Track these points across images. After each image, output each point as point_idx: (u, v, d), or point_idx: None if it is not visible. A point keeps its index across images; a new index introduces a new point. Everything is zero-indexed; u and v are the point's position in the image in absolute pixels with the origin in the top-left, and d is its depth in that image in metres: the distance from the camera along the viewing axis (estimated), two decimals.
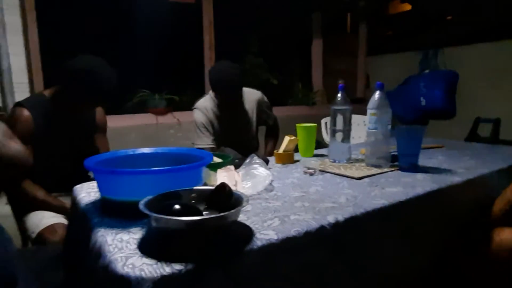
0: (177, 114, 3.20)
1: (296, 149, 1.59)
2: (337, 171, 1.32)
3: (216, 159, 1.21)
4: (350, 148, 1.50)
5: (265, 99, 2.24)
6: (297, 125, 1.65)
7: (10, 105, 2.37)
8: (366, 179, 1.23)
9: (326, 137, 3.16)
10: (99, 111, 1.74)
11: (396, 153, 1.38)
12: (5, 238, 0.79)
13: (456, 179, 1.21)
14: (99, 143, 1.74)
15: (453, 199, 1.20)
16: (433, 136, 2.13)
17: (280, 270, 0.76)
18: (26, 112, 1.44)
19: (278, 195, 1.06)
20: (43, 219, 1.42)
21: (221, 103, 2.03)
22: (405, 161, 1.35)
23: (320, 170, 1.35)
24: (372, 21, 4.45)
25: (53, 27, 2.77)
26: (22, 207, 1.51)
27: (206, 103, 2.06)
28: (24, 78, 2.55)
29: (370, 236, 0.94)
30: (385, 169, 1.34)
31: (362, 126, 3.03)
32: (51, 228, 1.38)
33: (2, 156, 0.66)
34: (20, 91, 2.49)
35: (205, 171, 0.99)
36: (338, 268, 0.86)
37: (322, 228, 0.82)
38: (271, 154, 2.16)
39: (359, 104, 2.88)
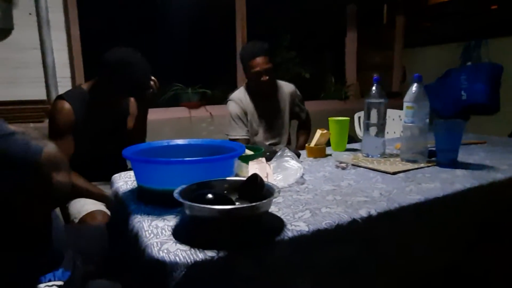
0: (210, 108, 3.25)
1: (328, 143, 1.58)
2: (370, 166, 1.29)
3: (248, 151, 1.22)
4: (384, 142, 1.46)
5: (298, 92, 2.24)
6: (330, 118, 1.63)
7: (53, 97, 2.51)
8: (401, 174, 1.19)
9: (359, 131, 3.09)
10: (131, 100, 1.79)
11: (434, 148, 1.33)
12: (56, 218, 0.85)
13: (498, 176, 1.15)
14: (129, 124, 1.78)
15: (494, 197, 1.14)
16: (475, 132, 2.03)
17: (310, 262, 0.76)
18: (67, 105, 1.52)
19: (309, 188, 1.05)
20: (84, 206, 1.50)
21: (256, 86, 2.03)
22: (443, 156, 1.30)
23: (353, 165, 1.33)
24: (410, 12, 4.28)
25: (93, 23, 2.88)
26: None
27: (240, 94, 2.09)
28: (67, 73, 2.68)
29: (403, 232, 0.92)
30: (422, 165, 1.29)
31: (398, 121, 2.94)
32: (92, 214, 1.45)
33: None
34: (63, 85, 2.62)
35: (237, 162, 1.00)
36: (368, 263, 0.85)
37: (354, 221, 0.81)
38: (302, 148, 2.16)
39: (394, 98, 2.79)
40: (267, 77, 1.97)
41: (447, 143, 1.30)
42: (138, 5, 3.19)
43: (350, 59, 4.28)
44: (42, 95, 2.56)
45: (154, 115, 2.95)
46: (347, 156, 1.46)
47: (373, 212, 0.85)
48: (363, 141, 1.50)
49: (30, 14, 2.48)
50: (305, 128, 2.33)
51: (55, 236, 0.82)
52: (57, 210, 1.60)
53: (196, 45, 3.63)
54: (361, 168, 1.29)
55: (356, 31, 4.20)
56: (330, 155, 1.52)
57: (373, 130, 1.44)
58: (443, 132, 1.30)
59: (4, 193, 0.64)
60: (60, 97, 1.56)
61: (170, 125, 3.04)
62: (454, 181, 1.10)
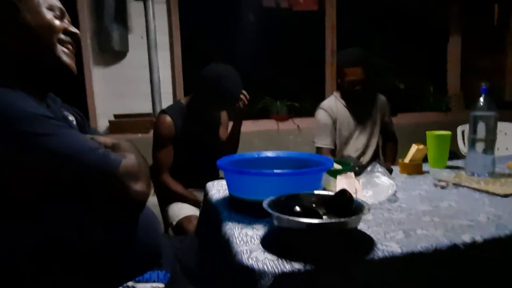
0: (297, 120, 3.27)
1: (424, 159, 1.46)
2: (476, 186, 1.16)
3: (337, 166, 1.20)
4: (494, 160, 1.30)
5: (388, 104, 2.15)
6: (428, 132, 1.51)
7: (157, 110, 2.80)
8: None
9: (462, 147, 2.79)
10: (223, 112, 1.92)
11: None
12: (155, 219, 0.95)
13: None
14: (221, 133, 1.92)
15: None
16: None
17: (401, 285, 0.71)
18: (168, 118, 1.69)
19: (402, 207, 0.99)
20: (182, 210, 1.64)
21: (347, 94, 2.02)
22: None
23: (454, 184, 1.21)
24: None
25: (193, 42, 3.15)
26: (165, 197, 1.77)
27: (330, 102, 2.08)
28: (169, 88, 2.98)
29: None
30: None
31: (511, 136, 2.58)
32: (188, 218, 1.58)
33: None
34: (166, 99, 2.91)
35: (325, 176, 1.00)
36: None
37: (455, 247, 0.74)
38: (391, 162, 2.04)
39: (507, 110, 2.46)
40: (360, 88, 1.94)
41: None
42: (231, 24, 3.40)
43: (452, 66, 3.89)
44: (149, 109, 2.89)
45: (244, 127, 3.07)
46: (447, 174, 1.33)
47: (479, 238, 0.76)
48: (468, 158, 1.36)
49: (142, 37, 2.83)
50: (394, 142, 2.20)
51: (156, 237, 0.91)
52: (157, 211, 1.78)
53: (286, 57, 3.71)
54: (465, 188, 1.17)
55: (460, 35, 3.81)
56: (428, 172, 1.41)
57: (480, 146, 1.30)
58: None
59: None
60: (163, 112, 1.74)
61: (259, 137, 3.14)
62: None
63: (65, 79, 0.86)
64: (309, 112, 3.40)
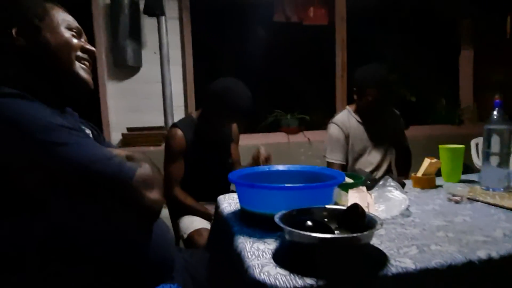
0: (308, 133, 3.27)
1: (437, 173, 1.44)
2: (491, 201, 1.14)
3: (348, 179, 1.19)
4: (509, 174, 1.28)
5: (402, 119, 2.14)
6: (440, 146, 1.49)
7: (169, 124, 2.84)
8: None
9: (477, 160, 2.74)
10: (234, 126, 1.95)
11: None
12: (169, 231, 0.96)
13: None
14: (232, 151, 1.93)
15: None
16: None
17: None
18: (179, 132, 1.71)
19: (416, 222, 0.98)
20: (193, 223, 1.65)
21: (366, 111, 2.00)
22: None
23: (469, 198, 1.19)
24: None
25: (205, 58, 3.21)
26: (176, 210, 1.78)
27: (343, 117, 2.05)
28: (181, 102, 3.03)
29: None
30: None
31: None
32: (199, 231, 1.59)
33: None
34: (178, 113, 2.96)
35: (336, 190, 0.99)
36: None
37: (470, 263, 0.73)
38: (404, 177, 2.02)
39: None
40: (378, 107, 1.94)
41: None
42: (243, 38, 3.44)
43: (465, 78, 3.87)
44: (161, 122, 2.93)
45: (255, 140, 3.12)
46: (461, 189, 1.31)
47: (495, 255, 0.75)
48: (482, 172, 1.34)
49: (155, 53, 2.89)
50: (407, 156, 2.18)
51: (169, 246, 0.92)
52: (169, 224, 1.79)
53: (296, 71, 3.74)
54: (479, 203, 1.15)
55: (472, 48, 3.79)
56: (441, 186, 1.39)
57: (494, 159, 1.28)
58: None
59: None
60: (174, 125, 1.77)
61: (270, 149, 3.12)
62: None
63: (83, 93, 0.90)
64: (320, 125, 3.40)
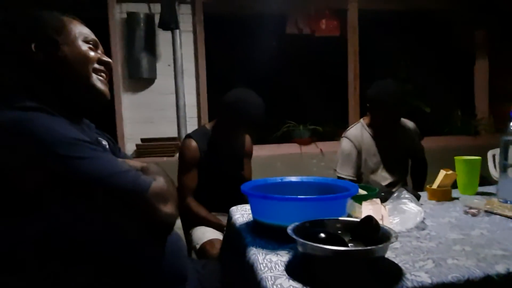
0: (320, 144, 3.26)
1: (453, 185, 1.42)
2: (509, 214, 1.11)
3: (361, 191, 1.18)
4: None
5: (418, 130, 2.10)
6: (456, 158, 1.47)
7: (183, 135, 2.87)
8: None
9: (494, 172, 2.68)
10: (247, 139, 1.95)
11: None
12: (182, 242, 0.96)
13: None
14: (244, 167, 1.94)
15: None
16: None
17: None
18: (193, 143, 1.73)
19: (431, 235, 0.96)
20: (205, 233, 1.65)
21: (381, 126, 1.96)
22: None
23: (486, 211, 1.16)
24: None
25: (218, 70, 3.25)
26: (189, 221, 1.78)
27: (356, 131, 2.01)
28: (194, 113, 3.06)
29: None
30: None
31: None
32: (211, 242, 1.58)
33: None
34: (191, 124, 2.99)
35: (349, 202, 0.99)
36: None
37: (488, 278, 0.71)
38: (420, 189, 1.98)
39: None
40: (394, 124, 1.93)
41: None
42: (255, 50, 3.48)
43: (480, 89, 3.81)
44: (174, 133, 2.96)
45: (267, 150, 3.12)
46: (478, 201, 1.29)
47: None
48: (500, 184, 1.31)
49: (169, 65, 2.94)
50: (423, 168, 2.14)
51: (181, 257, 0.92)
52: (181, 234, 1.80)
53: (308, 82, 3.75)
54: (497, 216, 1.12)
55: (487, 58, 3.75)
56: (457, 198, 1.36)
57: None
58: None
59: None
60: (188, 136, 1.79)
61: (282, 160, 3.15)
62: None
63: (100, 104, 0.92)
64: (332, 136, 3.39)
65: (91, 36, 0.92)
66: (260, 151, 2.73)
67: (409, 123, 2.09)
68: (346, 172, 1.96)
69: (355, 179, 1.96)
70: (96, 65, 0.90)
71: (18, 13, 0.89)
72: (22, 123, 0.71)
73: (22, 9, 0.88)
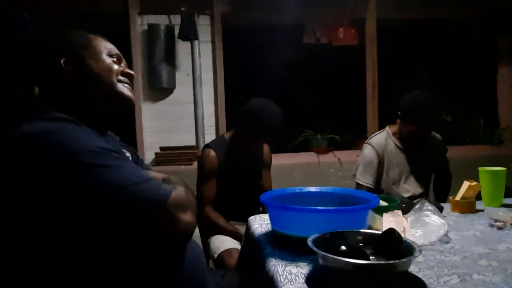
0: (338, 153, 3.23)
1: (477, 197, 1.38)
2: None
3: (382, 203, 1.17)
4: None
5: (445, 144, 2.06)
6: (480, 169, 1.43)
7: (201, 144, 2.90)
8: None
9: None
10: (266, 150, 1.95)
11: None
12: (201, 252, 0.97)
13: None
14: (264, 177, 1.93)
15: None
16: None
17: None
18: (212, 152, 1.75)
19: (455, 249, 0.94)
20: (223, 242, 1.65)
21: (409, 138, 1.91)
22: None
23: None
24: None
25: (236, 79, 3.28)
26: (207, 230, 1.79)
27: (381, 139, 1.96)
28: (212, 122, 3.09)
29: None
30: None
31: None
32: (229, 251, 1.59)
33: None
34: (209, 133, 3.02)
35: (370, 214, 0.97)
36: None
37: None
38: (442, 201, 1.93)
39: None
40: (425, 137, 1.90)
41: None
42: (274, 59, 3.50)
43: (503, 97, 3.71)
44: (192, 142, 3.00)
45: (285, 159, 3.11)
46: (504, 214, 1.24)
47: None
48: None
49: (188, 75, 2.99)
50: (447, 181, 2.09)
51: (201, 268, 0.93)
52: (199, 243, 1.80)
53: (325, 91, 3.74)
54: None
55: (510, 65, 3.66)
56: (482, 211, 1.32)
57: None
58: None
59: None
60: (207, 146, 1.80)
61: (299, 169, 3.13)
62: None
63: (126, 111, 0.96)
64: (350, 145, 3.36)
65: (115, 50, 0.98)
66: (278, 160, 2.72)
67: (437, 136, 2.03)
68: (366, 180, 1.93)
69: (373, 187, 1.93)
70: (120, 77, 0.95)
71: (49, 32, 0.96)
72: (51, 133, 0.75)
73: (52, 29, 0.94)
